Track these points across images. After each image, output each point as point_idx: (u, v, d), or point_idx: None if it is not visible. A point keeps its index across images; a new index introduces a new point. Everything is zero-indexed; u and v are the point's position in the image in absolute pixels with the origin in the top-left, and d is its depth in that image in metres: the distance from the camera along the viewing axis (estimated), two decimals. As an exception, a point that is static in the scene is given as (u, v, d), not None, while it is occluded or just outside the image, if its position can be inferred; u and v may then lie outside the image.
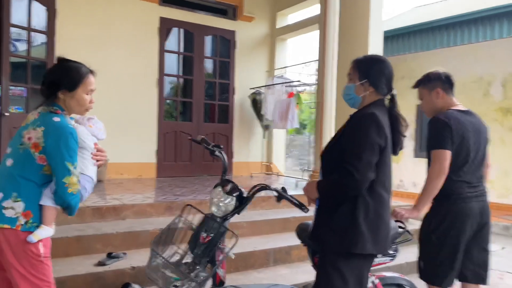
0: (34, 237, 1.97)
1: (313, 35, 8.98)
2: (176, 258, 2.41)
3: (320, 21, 5.96)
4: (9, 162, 2.01)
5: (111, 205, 4.29)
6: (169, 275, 2.15)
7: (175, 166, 7.41)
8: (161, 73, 7.22)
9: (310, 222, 2.82)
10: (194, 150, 7.56)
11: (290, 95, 6.94)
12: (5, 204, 1.95)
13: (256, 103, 7.85)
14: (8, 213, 1.93)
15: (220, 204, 2.37)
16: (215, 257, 2.44)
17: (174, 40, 7.52)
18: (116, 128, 6.64)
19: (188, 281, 2.13)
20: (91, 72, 2.19)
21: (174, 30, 7.50)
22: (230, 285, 2.75)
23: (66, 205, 2.03)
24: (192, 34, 7.61)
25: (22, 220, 1.95)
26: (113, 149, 6.47)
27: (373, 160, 2.05)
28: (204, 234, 2.37)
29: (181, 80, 7.76)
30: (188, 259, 2.44)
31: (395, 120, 2.20)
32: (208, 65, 7.96)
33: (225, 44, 8.07)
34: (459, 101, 2.84)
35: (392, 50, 9.97)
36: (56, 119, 2.01)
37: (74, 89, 2.09)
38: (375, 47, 6.45)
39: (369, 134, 2.05)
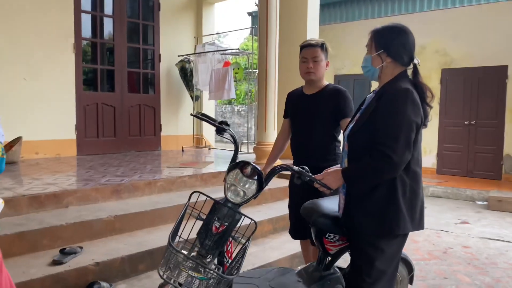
0: None
1: (239, 1, 8.59)
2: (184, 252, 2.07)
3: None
4: None
5: (50, 192, 3.64)
6: (194, 275, 1.82)
7: (98, 142, 6.65)
8: (78, 37, 6.30)
9: (316, 201, 2.67)
10: (118, 124, 6.87)
11: (226, 64, 6.59)
12: None
13: (186, 72, 7.35)
14: None
15: (239, 189, 2.07)
16: (224, 247, 2.18)
17: (91, -1, 6.60)
18: (26, 101, 5.75)
19: (215, 280, 1.83)
20: None
21: (90, -13, 6.56)
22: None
23: (1, 171, 1.60)
24: (111, -7, 6.75)
25: None
26: (25, 125, 5.65)
27: (411, 140, 1.93)
28: (217, 224, 2.07)
29: (101, 44, 6.88)
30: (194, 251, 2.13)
31: (421, 91, 2.08)
32: (130, 28, 7.16)
33: (148, 6, 7.33)
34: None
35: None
36: None
37: None
38: (312, 15, 6.42)
39: (406, 112, 1.91)
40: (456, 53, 8.82)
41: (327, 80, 2.97)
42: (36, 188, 3.74)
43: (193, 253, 2.10)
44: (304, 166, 2.20)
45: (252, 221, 2.14)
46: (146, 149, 7.24)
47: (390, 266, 2.04)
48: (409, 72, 2.18)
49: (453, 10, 8.37)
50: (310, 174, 2.15)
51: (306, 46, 2.85)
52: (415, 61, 2.10)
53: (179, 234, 2.10)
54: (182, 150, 7.37)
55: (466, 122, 8.75)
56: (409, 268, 2.85)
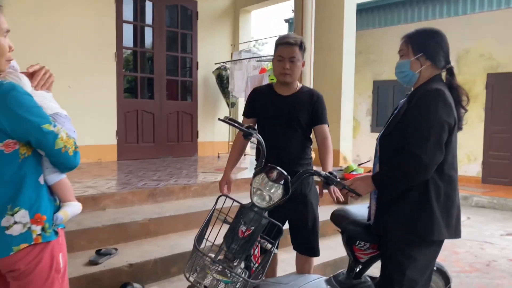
0: (63, 215, 1.58)
1: (276, 8, 8.62)
2: (211, 255, 2.09)
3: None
4: None
5: (89, 195, 3.79)
6: (219, 278, 1.83)
7: (137, 147, 6.86)
8: (119, 46, 6.55)
9: (347, 208, 2.63)
10: (157, 130, 7.05)
11: (262, 70, 6.62)
12: (4, 223, 1.45)
13: (222, 79, 7.46)
14: (15, 230, 1.45)
15: (264, 193, 2.07)
16: (250, 251, 2.18)
17: (132, 9, 6.85)
18: (70, 108, 5.92)
19: (241, 284, 1.83)
20: None
21: (132, -2, 6.81)
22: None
23: (77, 166, 1.62)
24: (151, 3, 6.98)
25: (37, 230, 1.49)
26: (69, 130, 5.89)
27: (442, 141, 1.86)
28: (243, 228, 2.07)
29: (141, 53, 7.12)
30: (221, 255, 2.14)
31: (457, 94, 2.02)
32: (169, 37, 7.36)
33: (186, 15, 7.51)
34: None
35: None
36: None
37: None
38: (349, 21, 6.34)
39: (437, 112, 1.86)
40: (503, 57, 8.41)
41: (367, 86, 2.88)
42: (76, 191, 3.89)
43: (220, 257, 2.12)
44: (332, 172, 2.17)
45: (279, 226, 2.12)
46: (183, 154, 7.38)
47: (422, 275, 1.97)
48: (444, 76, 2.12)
49: (499, 12, 8.01)
50: (338, 179, 2.11)
51: (283, 44, 2.60)
52: (452, 64, 2.06)
53: (206, 237, 2.12)
54: (218, 156, 7.45)
55: (514, 129, 8.31)
56: (446, 279, 2.72)
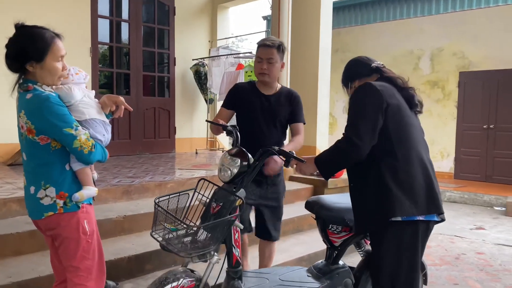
0: (79, 195, 1.96)
1: (254, 5, 8.63)
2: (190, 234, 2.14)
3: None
4: (24, 155, 1.98)
5: (62, 192, 3.73)
6: (166, 226, 2.00)
7: (113, 144, 6.66)
8: (94, 41, 6.45)
9: (319, 196, 2.79)
10: (133, 127, 6.98)
11: (240, 67, 6.63)
12: (39, 195, 1.94)
13: (200, 75, 7.43)
14: (46, 201, 1.93)
15: (226, 167, 2.22)
16: (232, 236, 2.23)
17: (108, 4, 6.74)
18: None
19: (185, 232, 2.02)
20: (57, 36, 2.00)
21: (107, -7, 6.71)
22: (246, 270, 2.60)
23: (93, 162, 2.00)
24: (127, -2, 6.89)
25: (60, 203, 1.93)
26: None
27: (375, 123, 1.97)
28: (214, 204, 2.21)
29: (116, 48, 7.02)
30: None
31: (393, 81, 2.15)
32: (146, 33, 7.29)
33: (163, 11, 7.45)
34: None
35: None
36: (28, 95, 1.87)
37: (42, 59, 1.90)
38: (325, 19, 6.39)
39: (364, 99, 2.04)
40: (475, 56, 8.64)
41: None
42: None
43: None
44: (291, 150, 2.27)
45: (239, 198, 2.14)
46: (160, 151, 7.33)
47: (402, 262, 2.01)
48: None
49: (471, 12, 8.23)
50: (289, 152, 2.20)
51: (262, 46, 2.80)
52: (375, 64, 2.23)
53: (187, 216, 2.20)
54: (196, 153, 7.43)
55: (484, 126, 8.56)
56: (421, 266, 2.81)
